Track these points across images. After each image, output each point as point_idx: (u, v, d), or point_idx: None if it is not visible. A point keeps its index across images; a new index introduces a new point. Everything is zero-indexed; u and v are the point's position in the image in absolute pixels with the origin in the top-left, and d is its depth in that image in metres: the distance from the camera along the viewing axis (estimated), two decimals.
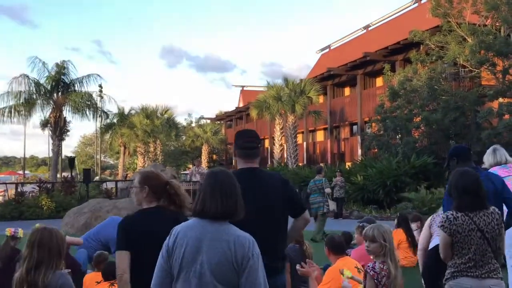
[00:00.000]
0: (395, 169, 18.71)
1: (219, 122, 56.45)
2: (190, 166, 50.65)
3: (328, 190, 12.33)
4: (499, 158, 5.61)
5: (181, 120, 50.61)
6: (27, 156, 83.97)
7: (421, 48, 22.43)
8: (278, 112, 24.82)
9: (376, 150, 22.84)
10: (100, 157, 44.69)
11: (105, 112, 23.20)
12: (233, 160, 54.39)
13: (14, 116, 21.05)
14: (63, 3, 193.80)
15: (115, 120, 35.47)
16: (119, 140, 35.49)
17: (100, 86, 43.46)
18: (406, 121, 20.28)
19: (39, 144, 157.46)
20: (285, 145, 26.67)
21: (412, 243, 8.03)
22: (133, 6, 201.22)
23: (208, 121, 54.76)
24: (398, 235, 8.05)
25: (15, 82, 20.95)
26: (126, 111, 36.45)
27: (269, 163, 36.61)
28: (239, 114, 47.76)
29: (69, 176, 19.71)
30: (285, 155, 26.39)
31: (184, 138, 49.32)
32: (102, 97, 42.58)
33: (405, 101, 20.63)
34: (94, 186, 22.63)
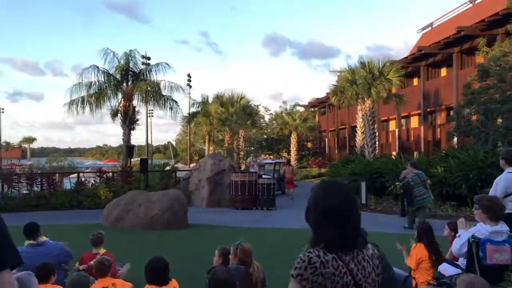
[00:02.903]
0: (481, 160, 16.00)
1: (312, 109, 54.79)
2: (285, 154, 49.95)
3: (429, 181, 13.45)
4: None
5: (275, 107, 49.89)
6: (137, 144, 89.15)
7: None
8: (354, 97, 22.74)
9: (469, 138, 20.04)
10: (189, 145, 45.52)
11: (176, 102, 22.93)
12: (326, 149, 52.73)
13: (85, 107, 21.66)
14: None
15: (199, 109, 35.65)
16: (204, 128, 35.63)
17: (189, 75, 44.33)
18: (499, 104, 17.30)
19: (156, 132, 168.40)
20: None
21: (437, 261, 6.14)
22: None
23: (302, 108, 53.36)
24: (419, 252, 6.21)
25: (85, 73, 21.48)
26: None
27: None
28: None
29: (128, 165, 19.73)
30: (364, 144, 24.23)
31: (274, 126, 48.59)
32: (190, 86, 43.30)
33: (498, 80, 17.59)
34: (164, 175, 22.56)
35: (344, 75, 23.55)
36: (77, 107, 21.72)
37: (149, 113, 62.82)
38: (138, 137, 46.46)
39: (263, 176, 18.83)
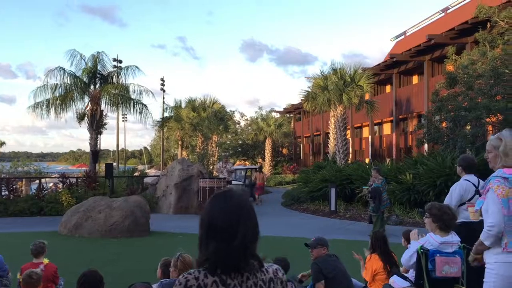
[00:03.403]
0: (448, 166, 16.02)
1: (288, 115, 54.78)
2: (260, 160, 49.71)
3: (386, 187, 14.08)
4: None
5: (252, 113, 49.56)
6: (112, 149, 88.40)
7: (489, 26, 19.33)
8: (326, 103, 22.66)
9: (436, 145, 20.15)
10: (163, 151, 45.05)
11: (145, 105, 22.43)
12: (302, 155, 52.71)
13: (51, 110, 20.99)
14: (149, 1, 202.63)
15: (172, 114, 35.18)
16: (177, 134, 35.18)
17: (162, 79, 43.79)
18: (466, 111, 17.39)
19: (131, 137, 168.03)
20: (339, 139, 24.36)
21: (392, 272, 5.89)
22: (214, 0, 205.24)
23: (278, 114, 53.32)
24: (373, 263, 5.92)
25: (51, 75, 20.83)
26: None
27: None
28: None
29: (91, 170, 19.19)
30: (335, 150, 24.15)
31: (249, 131, 48.40)
32: (164, 90, 42.77)
33: (466, 88, 17.70)
34: (134, 181, 22.04)
35: (316, 81, 23.47)
36: (42, 110, 21.05)
37: (123, 118, 61.86)
38: (112, 142, 45.76)
39: (233, 182, 18.54)
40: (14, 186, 17.19)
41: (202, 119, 30.39)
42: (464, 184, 5.70)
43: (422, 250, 4.09)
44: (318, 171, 21.05)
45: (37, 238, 12.27)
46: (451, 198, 5.70)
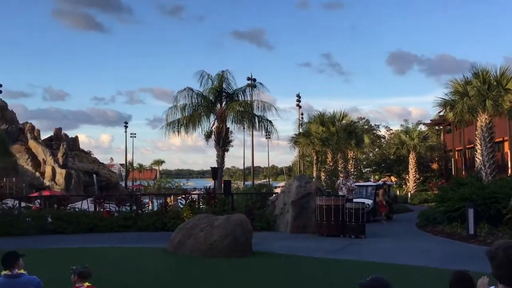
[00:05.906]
0: None
1: (437, 127, 50.59)
2: (406, 176, 46.55)
3: None
4: None
5: (396, 126, 47.07)
6: (262, 165, 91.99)
7: None
8: (465, 111, 19.90)
9: None
10: (300, 167, 44.79)
11: (270, 121, 22.27)
12: (454, 170, 47.95)
13: (181, 129, 21.90)
14: (293, 21, 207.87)
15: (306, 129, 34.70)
16: (311, 150, 34.51)
17: (298, 95, 43.75)
18: None
19: (281, 154, 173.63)
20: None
21: None
22: (357, 13, 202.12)
23: (425, 127, 49.59)
24: None
25: (180, 96, 21.80)
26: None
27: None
28: None
29: (211, 187, 19.37)
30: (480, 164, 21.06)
31: (391, 145, 45.69)
32: (300, 107, 42.62)
33: None
34: (260, 198, 21.82)
35: (454, 87, 20.86)
36: (173, 129, 22.09)
37: (266, 135, 63.33)
38: (263, 159, 46.88)
39: (354, 200, 17.19)
40: (141, 202, 18.13)
41: (331, 134, 29.31)
42: None
43: None
44: (457, 188, 18.52)
45: (145, 253, 12.54)
46: None
